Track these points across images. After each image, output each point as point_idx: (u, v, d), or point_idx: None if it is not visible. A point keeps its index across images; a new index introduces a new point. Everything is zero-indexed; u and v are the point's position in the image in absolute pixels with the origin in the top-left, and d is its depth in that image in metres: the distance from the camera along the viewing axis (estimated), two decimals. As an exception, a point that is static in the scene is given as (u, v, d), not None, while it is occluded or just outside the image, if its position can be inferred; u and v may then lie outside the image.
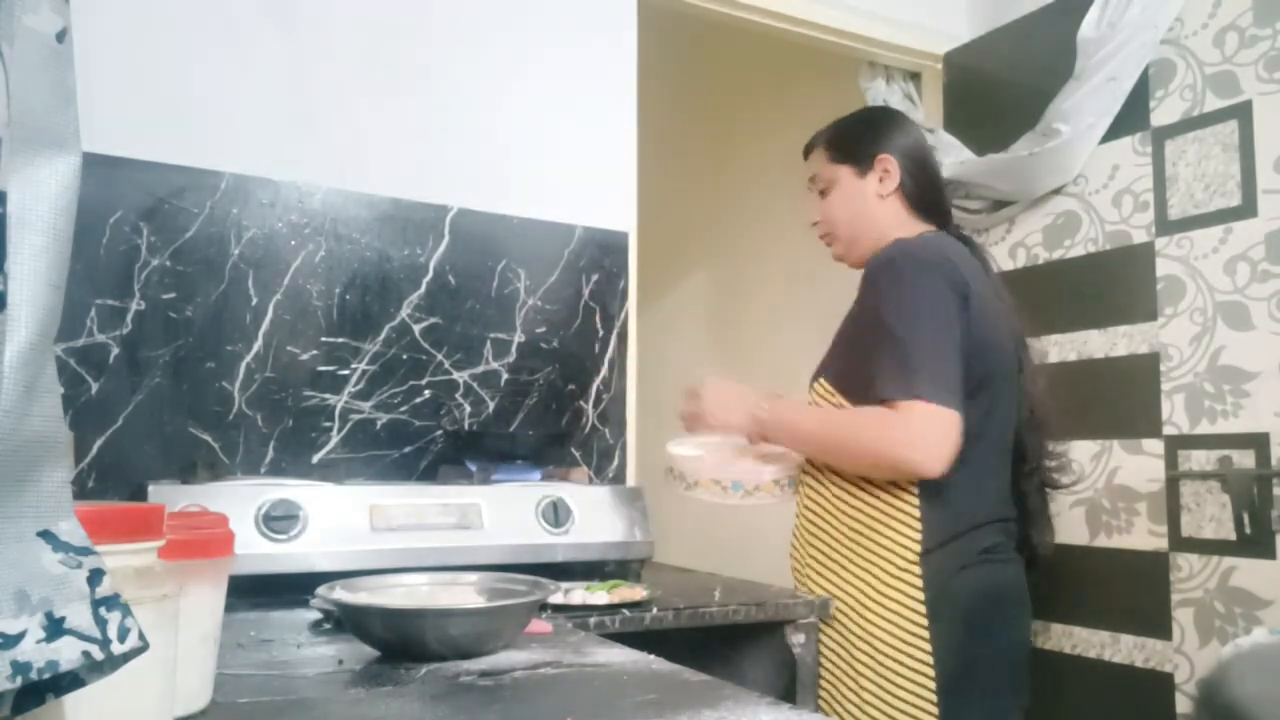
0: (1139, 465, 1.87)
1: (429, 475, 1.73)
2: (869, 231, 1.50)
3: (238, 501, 1.27)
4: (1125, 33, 1.90)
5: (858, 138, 1.52)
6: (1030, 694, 1.44)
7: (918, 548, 1.34)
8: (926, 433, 1.25)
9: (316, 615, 1.10)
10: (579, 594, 1.27)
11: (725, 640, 1.43)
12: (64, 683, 0.34)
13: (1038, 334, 2.08)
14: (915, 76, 2.53)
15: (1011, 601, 1.42)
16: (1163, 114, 1.90)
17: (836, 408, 1.42)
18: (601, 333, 1.95)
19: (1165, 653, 1.81)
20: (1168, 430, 1.83)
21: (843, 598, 1.38)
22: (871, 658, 1.34)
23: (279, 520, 1.28)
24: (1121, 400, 1.90)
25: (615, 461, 1.94)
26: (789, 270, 3.06)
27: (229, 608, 0.75)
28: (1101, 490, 1.95)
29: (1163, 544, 1.83)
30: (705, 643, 1.41)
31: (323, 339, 1.69)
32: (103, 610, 0.35)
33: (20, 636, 0.32)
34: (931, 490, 1.33)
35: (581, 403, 1.92)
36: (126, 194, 1.56)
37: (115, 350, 1.52)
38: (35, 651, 0.32)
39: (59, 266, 0.35)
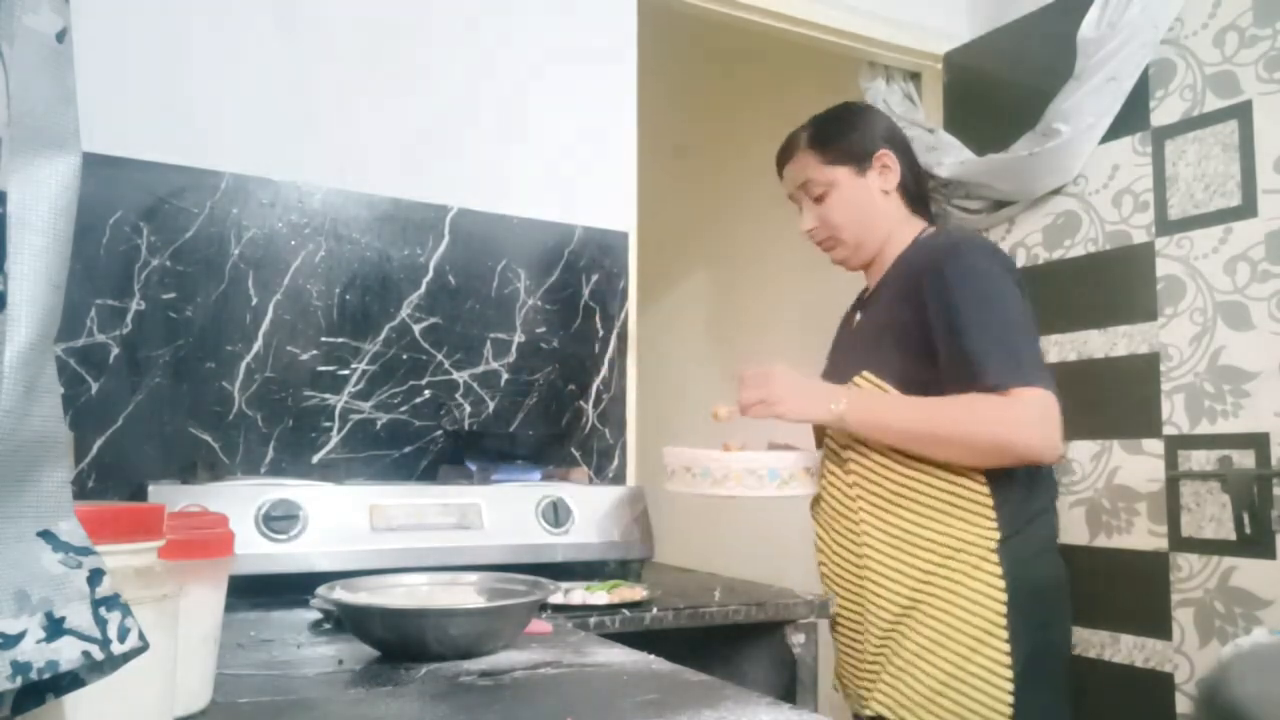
0: (1139, 465, 1.87)
1: (429, 475, 1.73)
2: (876, 231, 1.47)
3: (238, 501, 1.27)
4: (1125, 33, 1.90)
5: (850, 136, 1.47)
6: None
7: (995, 537, 1.30)
8: (1045, 418, 1.23)
9: (316, 615, 1.10)
10: (579, 594, 1.27)
11: (725, 640, 1.43)
12: (64, 683, 0.34)
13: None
14: (915, 76, 2.53)
15: (1066, 592, 1.41)
16: (1163, 114, 1.90)
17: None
18: (601, 333, 1.95)
19: (1165, 653, 1.81)
20: (1168, 430, 1.83)
21: (917, 590, 1.32)
22: (950, 650, 1.29)
23: (279, 520, 1.28)
24: (1121, 400, 1.90)
25: (615, 461, 1.94)
26: (789, 270, 3.06)
27: (229, 608, 0.75)
28: (1101, 490, 1.95)
29: (1163, 544, 1.83)
30: (705, 643, 1.41)
31: (323, 339, 1.69)
32: (103, 610, 0.35)
33: (20, 636, 0.32)
34: (1001, 479, 1.31)
35: (581, 403, 1.92)
36: (126, 194, 1.56)
37: (115, 350, 1.52)
38: (35, 651, 0.32)
39: (59, 266, 0.35)
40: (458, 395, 1.80)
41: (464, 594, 1.02)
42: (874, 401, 1.33)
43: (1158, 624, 1.82)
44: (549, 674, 0.83)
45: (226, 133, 1.66)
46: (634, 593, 1.31)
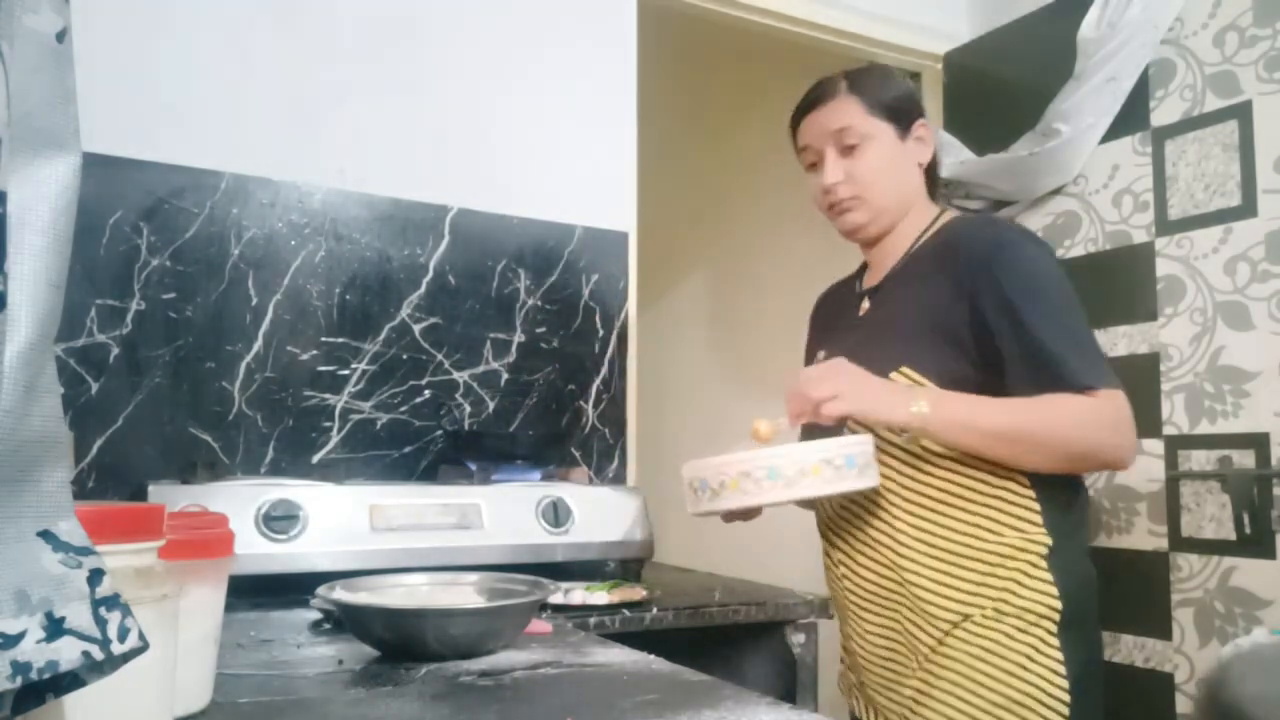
0: (1139, 465, 1.87)
1: (429, 475, 1.73)
2: (901, 202, 1.33)
3: (238, 501, 1.27)
4: (1125, 33, 1.90)
5: (896, 93, 1.34)
6: None
7: (1046, 543, 1.18)
8: (1130, 422, 1.16)
9: (316, 615, 1.10)
10: (579, 594, 1.27)
11: (725, 640, 1.44)
12: (64, 683, 0.34)
13: (1038, 334, 2.08)
14: (915, 76, 2.53)
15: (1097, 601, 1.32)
16: (1163, 114, 1.90)
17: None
18: (601, 333, 1.95)
19: (1165, 653, 1.81)
20: (1168, 430, 1.83)
21: (966, 604, 1.18)
22: (1003, 667, 1.16)
23: (279, 520, 1.28)
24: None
25: (615, 461, 1.94)
26: (789, 270, 3.06)
27: (229, 608, 0.75)
28: (1101, 490, 1.95)
29: (1163, 544, 1.83)
30: (705, 643, 1.41)
31: (323, 339, 1.69)
32: (103, 610, 0.35)
33: (20, 636, 0.32)
34: (1046, 482, 1.20)
35: (581, 403, 1.92)
36: (126, 194, 1.56)
37: (115, 350, 1.52)
38: (35, 651, 0.32)
39: (59, 266, 0.35)
40: (458, 395, 1.80)
41: (464, 594, 1.02)
42: (957, 402, 1.15)
43: (1158, 624, 1.82)
44: (549, 674, 0.83)
45: (226, 133, 1.66)
46: (634, 593, 1.31)
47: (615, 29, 2.05)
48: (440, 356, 1.79)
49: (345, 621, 0.95)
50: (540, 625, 1.06)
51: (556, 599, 1.24)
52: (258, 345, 1.64)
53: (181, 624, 0.49)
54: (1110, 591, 1.97)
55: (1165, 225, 1.87)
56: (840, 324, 1.41)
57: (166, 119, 1.61)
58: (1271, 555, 1.65)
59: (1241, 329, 1.72)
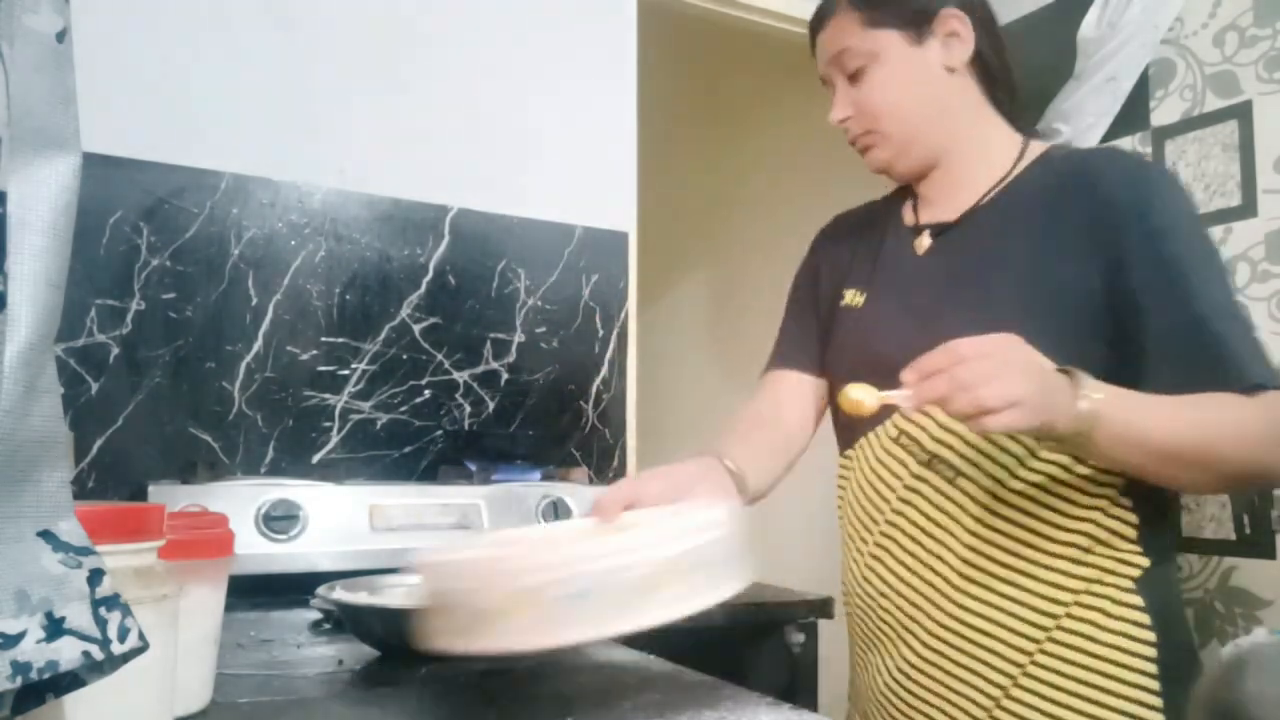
0: (1139, 465, 1.87)
1: (429, 475, 1.73)
2: (934, 123, 1.04)
3: (238, 501, 1.27)
4: (1125, 33, 1.90)
5: None
6: None
7: (1142, 564, 0.94)
8: None
9: (316, 615, 1.10)
10: (579, 594, 1.27)
11: (725, 640, 1.43)
12: (64, 683, 0.34)
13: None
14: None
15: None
16: (1163, 114, 1.90)
17: None
18: (601, 333, 1.95)
19: (1165, 653, 1.81)
20: (1168, 430, 1.83)
21: (1043, 640, 0.93)
22: (1090, 714, 0.92)
23: (279, 520, 1.28)
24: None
25: (615, 461, 1.94)
26: (790, 270, 3.06)
27: (229, 608, 0.75)
28: (1101, 490, 1.95)
29: (1163, 544, 1.83)
30: (705, 643, 1.41)
31: (323, 339, 1.69)
32: (103, 610, 0.35)
33: (20, 636, 0.32)
34: (1146, 492, 0.94)
35: (581, 403, 1.92)
36: (126, 194, 1.56)
37: (115, 350, 1.52)
38: (35, 651, 0.32)
39: (59, 266, 0.35)
40: (458, 395, 1.80)
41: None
42: (1132, 400, 0.84)
43: (1158, 624, 1.82)
44: (549, 674, 0.83)
45: (226, 133, 1.66)
46: (634, 593, 1.30)
47: (615, 29, 2.05)
48: (440, 356, 1.79)
49: (345, 621, 0.95)
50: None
51: (556, 599, 1.24)
52: (258, 345, 1.64)
53: (181, 624, 0.49)
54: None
55: (1165, 225, 1.87)
56: (882, 259, 1.11)
57: (166, 119, 1.61)
58: (1271, 555, 1.65)
59: (1241, 329, 1.72)
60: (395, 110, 1.80)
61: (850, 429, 1.10)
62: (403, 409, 1.74)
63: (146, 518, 0.46)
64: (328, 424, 1.68)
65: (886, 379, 0.95)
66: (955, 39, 1.04)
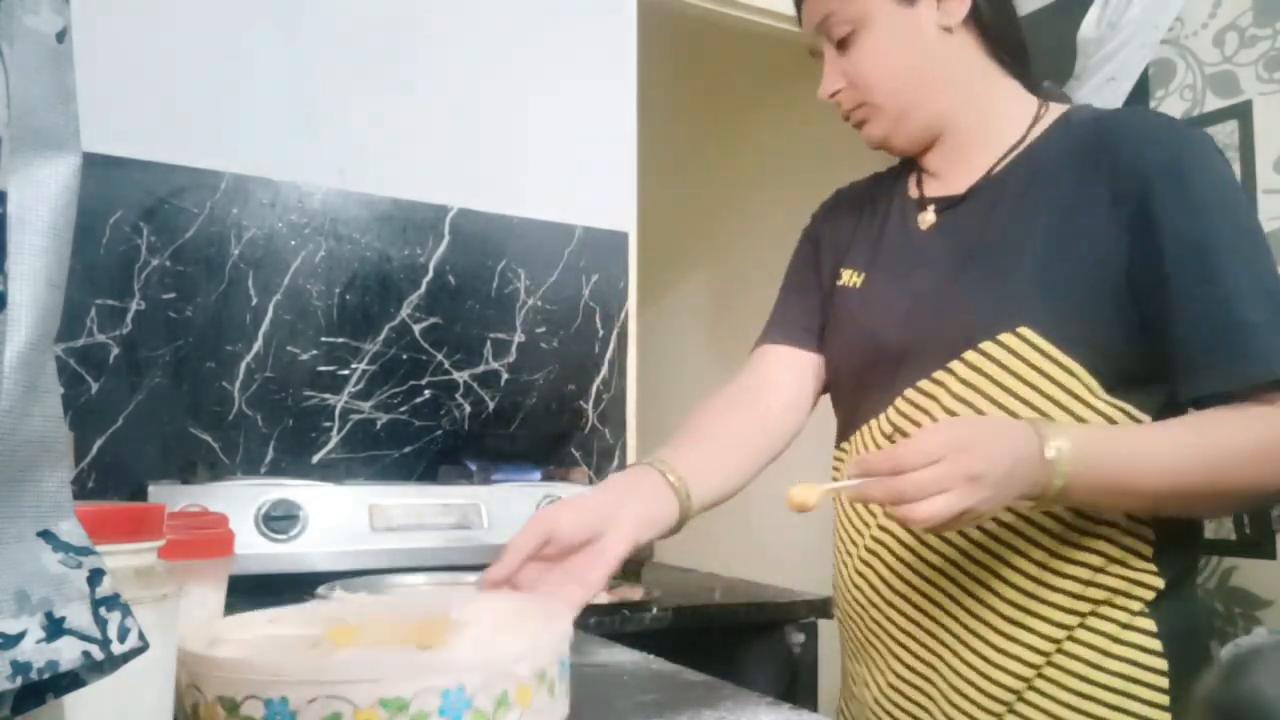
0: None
1: (429, 475, 1.73)
2: (931, 91, 0.93)
3: (238, 501, 1.27)
4: (1125, 33, 1.90)
5: None
6: None
7: (1156, 585, 0.85)
8: None
9: (316, 615, 1.10)
10: (579, 594, 1.27)
11: (725, 640, 1.43)
12: (64, 683, 0.34)
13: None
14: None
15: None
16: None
17: (1050, 378, 0.83)
18: (601, 333, 1.95)
19: (1165, 653, 1.81)
20: (1168, 430, 1.83)
21: (1041, 662, 0.85)
22: None
23: (279, 520, 1.28)
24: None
25: (615, 461, 1.94)
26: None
27: (229, 608, 0.74)
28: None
29: (1163, 544, 1.83)
30: (705, 643, 1.41)
31: (323, 339, 1.69)
32: (103, 610, 0.35)
33: (20, 636, 0.32)
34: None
35: (581, 403, 1.92)
36: (126, 194, 1.56)
37: (115, 350, 1.52)
38: (35, 651, 0.32)
39: (59, 266, 0.35)
40: (458, 395, 1.80)
41: (464, 594, 1.02)
42: (1117, 444, 0.77)
43: (1158, 624, 1.82)
44: (549, 674, 0.82)
45: (226, 133, 1.66)
46: (634, 593, 1.31)
47: (615, 29, 2.05)
48: (440, 356, 1.79)
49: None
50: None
51: (556, 599, 1.24)
52: (258, 345, 1.64)
53: (182, 624, 0.49)
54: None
55: (1165, 225, 1.87)
56: (883, 238, 1.01)
57: (166, 119, 1.61)
58: (1271, 555, 1.65)
59: (1241, 329, 1.72)
60: (395, 110, 1.80)
61: (848, 417, 1.01)
62: (403, 409, 1.74)
63: (146, 518, 0.46)
64: (328, 424, 1.68)
65: (883, 365, 0.94)
66: None
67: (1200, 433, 0.78)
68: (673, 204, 3.26)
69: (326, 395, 1.68)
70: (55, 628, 0.33)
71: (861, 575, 0.95)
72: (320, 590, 0.96)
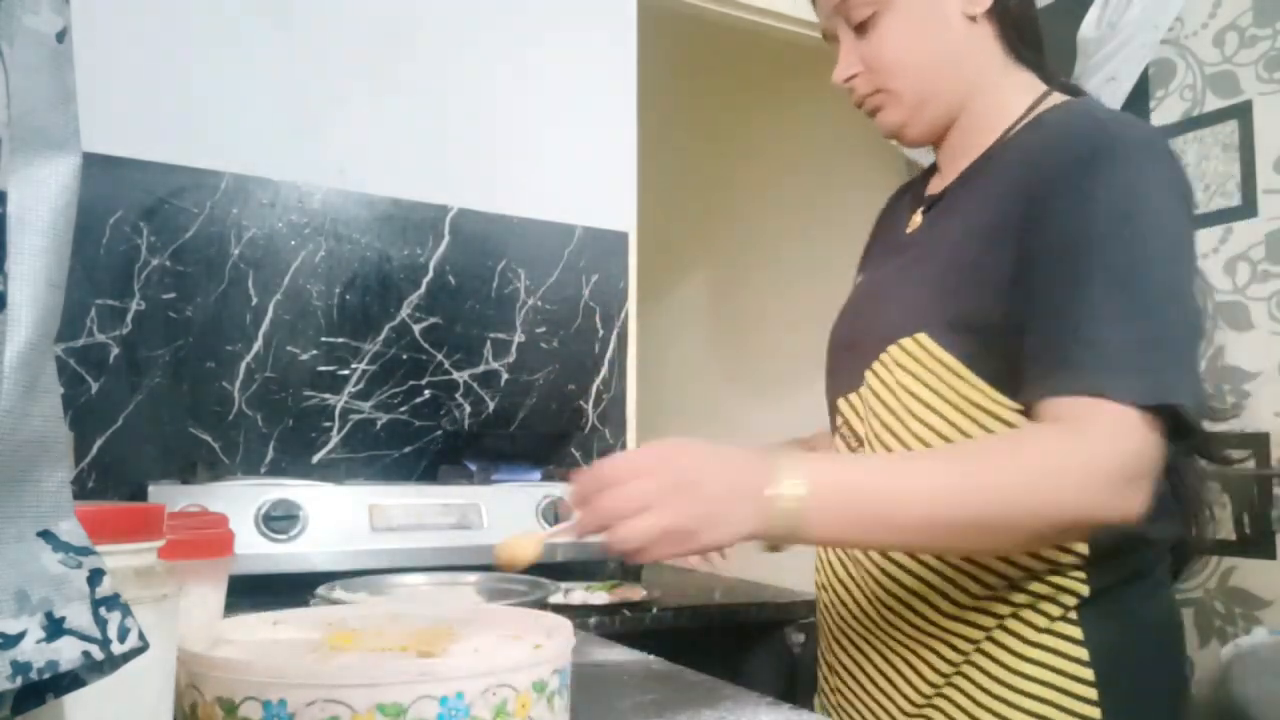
0: (1139, 465, 1.87)
1: (429, 475, 1.73)
2: (950, 78, 0.90)
3: (238, 501, 1.27)
4: (1125, 33, 1.90)
5: None
6: None
7: (1080, 591, 0.81)
8: (1158, 464, 0.72)
9: (316, 615, 1.10)
10: (579, 594, 1.27)
11: (725, 640, 1.43)
12: (64, 683, 0.34)
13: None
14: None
15: (1183, 645, 0.93)
16: (1163, 114, 1.90)
17: (943, 381, 0.82)
18: (601, 333, 1.95)
19: (1165, 653, 1.81)
20: (1168, 430, 1.83)
21: (956, 666, 0.83)
22: None
23: (279, 520, 1.28)
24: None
25: (615, 461, 1.94)
26: (790, 270, 3.06)
27: (229, 608, 0.74)
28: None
29: (1163, 544, 1.83)
30: (705, 643, 1.41)
31: (323, 339, 1.69)
32: (103, 610, 0.35)
33: (20, 636, 0.32)
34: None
35: (581, 403, 1.92)
36: (126, 194, 1.56)
37: (115, 350, 1.52)
38: (35, 651, 0.32)
39: (59, 266, 0.35)
40: (458, 395, 1.80)
41: (464, 594, 1.02)
42: (847, 499, 0.70)
43: (1158, 624, 1.82)
44: (549, 674, 0.82)
45: (226, 133, 1.66)
46: (634, 593, 1.31)
47: (615, 29, 2.05)
48: (440, 356, 1.79)
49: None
50: (540, 625, 1.05)
51: (556, 599, 1.24)
52: (258, 345, 1.64)
53: (181, 624, 0.49)
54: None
55: (1165, 225, 1.87)
56: (889, 240, 1.01)
57: (166, 119, 1.61)
58: (1271, 555, 1.65)
59: (1241, 329, 1.72)
60: (395, 110, 1.80)
61: (831, 412, 1.00)
62: (403, 409, 1.74)
63: (146, 518, 0.46)
64: (328, 424, 1.68)
65: (835, 367, 0.95)
66: None
67: (964, 460, 0.74)
68: (673, 204, 3.26)
69: (326, 395, 1.68)
70: (55, 628, 0.33)
71: (823, 559, 0.96)
72: (320, 590, 0.96)
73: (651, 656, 0.90)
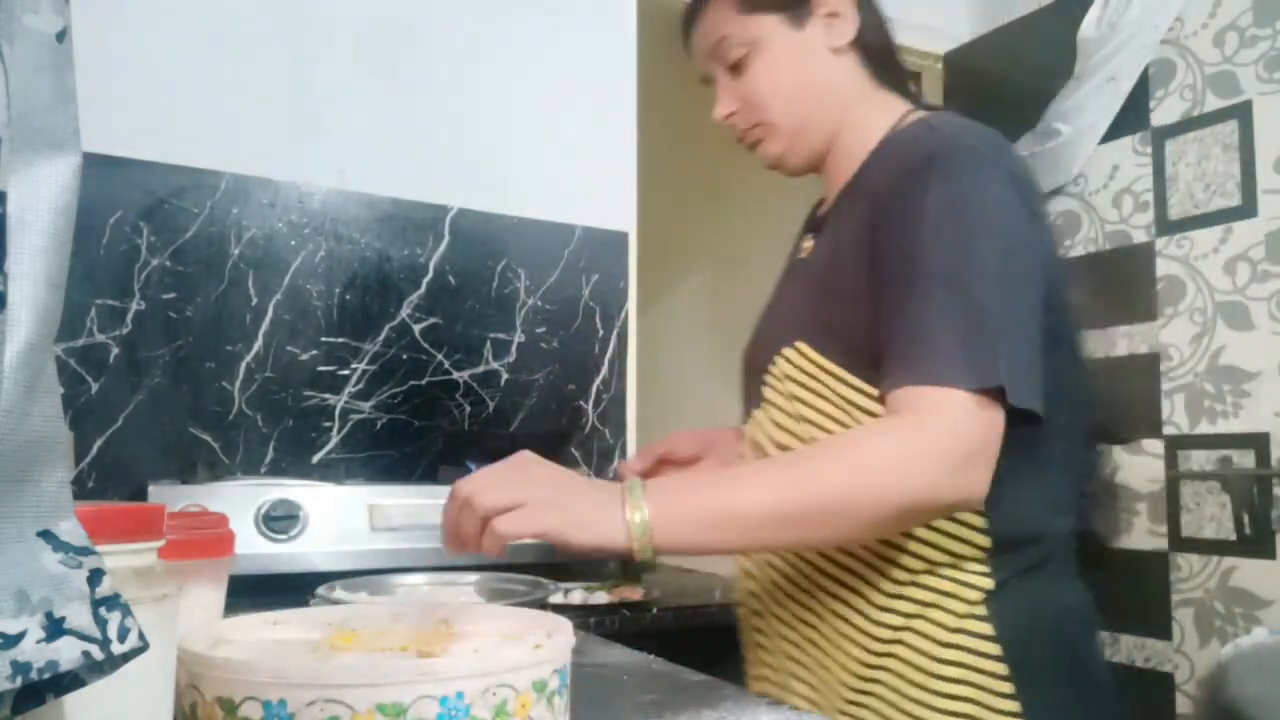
0: (1139, 465, 1.87)
1: (429, 475, 1.73)
2: (824, 107, 0.96)
3: (238, 501, 1.27)
4: (1125, 33, 1.90)
5: None
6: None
7: (985, 585, 0.84)
8: (995, 445, 0.76)
9: (316, 615, 1.10)
10: (579, 594, 1.27)
11: (725, 640, 1.43)
12: (64, 683, 0.34)
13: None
14: (915, 76, 2.52)
15: (1094, 628, 0.95)
16: (1163, 114, 1.90)
17: (822, 383, 0.87)
18: (601, 333, 1.95)
19: (1165, 653, 1.81)
20: (1168, 430, 1.83)
21: (873, 667, 0.85)
22: None
23: (279, 520, 1.28)
24: (1121, 400, 1.90)
25: (615, 461, 1.94)
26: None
27: (229, 608, 0.74)
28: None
29: (1163, 544, 1.83)
30: (705, 643, 1.41)
31: (323, 339, 1.69)
32: (103, 610, 0.35)
33: (20, 636, 0.32)
34: (1000, 485, 0.80)
35: (581, 403, 1.92)
36: (126, 194, 1.56)
37: (115, 350, 1.52)
38: (35, 651, 0.32)
39: (59, 266, 0.35)
40: (458, 395, 1.80)
41: (464, 594, 1.02)
42: (690, 497, 0.77)
43: (1158, 624, 1.82)
44: (549, 674, 0.82)
45: (226, 133, 1.66)
46: (634, 593, 1.31)
47: (615, 29, 2.05)
48: (440, 356, 1.79)
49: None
50: (540, 625, 1.05)
51: (556, 599, 1.24)
52: (258, 345, 1.64)
53: (182, 624, 0.49)
54: (1110, 591, 1.97)
55: (1165, 225, 1.87)
56: (788, 267, 1.10)
57: (166, 119, 1.61)
58: (1271, 555, 1.65)
59: (1241, 329, 1.72)
60: (395, 110, 1.80)
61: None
62: (403, 409, 1.74)
63: (146, 518, 0.46)
64: (328, 424, 1.68)
65: (746, 396, 1.02)
66: (836, 19, 0.96)
67: (804, 456, 0.81)
68: (673, 204, 3.26)
69: (326, 395, 1.68)
70: (55, 628, 0.33)
71: (734, 584, 1.02)
72: (320, 590, 0.96)
73: (651, 656, 0.90)
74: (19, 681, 0.31)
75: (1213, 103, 1.80)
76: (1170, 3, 1.88)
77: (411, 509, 1.38)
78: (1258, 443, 1.69)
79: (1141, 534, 1.87)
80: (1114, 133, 1.98)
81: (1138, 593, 1.86)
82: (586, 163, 1.99)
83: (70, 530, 0.35)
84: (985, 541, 0.84)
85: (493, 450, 1.68)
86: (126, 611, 0.37)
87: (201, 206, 1.62)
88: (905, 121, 0.94)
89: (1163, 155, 1.89)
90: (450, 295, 1.81)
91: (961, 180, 0.82)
